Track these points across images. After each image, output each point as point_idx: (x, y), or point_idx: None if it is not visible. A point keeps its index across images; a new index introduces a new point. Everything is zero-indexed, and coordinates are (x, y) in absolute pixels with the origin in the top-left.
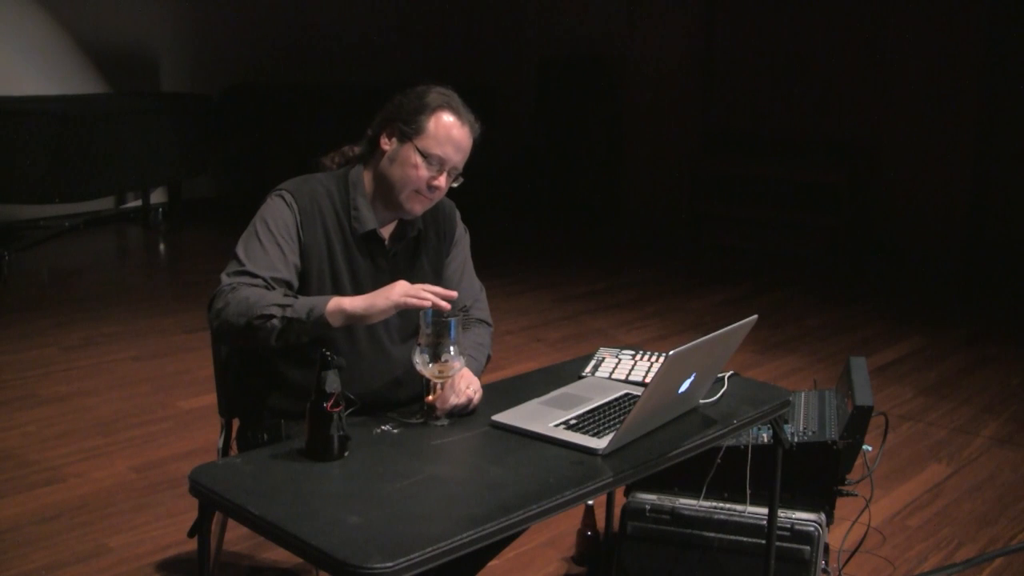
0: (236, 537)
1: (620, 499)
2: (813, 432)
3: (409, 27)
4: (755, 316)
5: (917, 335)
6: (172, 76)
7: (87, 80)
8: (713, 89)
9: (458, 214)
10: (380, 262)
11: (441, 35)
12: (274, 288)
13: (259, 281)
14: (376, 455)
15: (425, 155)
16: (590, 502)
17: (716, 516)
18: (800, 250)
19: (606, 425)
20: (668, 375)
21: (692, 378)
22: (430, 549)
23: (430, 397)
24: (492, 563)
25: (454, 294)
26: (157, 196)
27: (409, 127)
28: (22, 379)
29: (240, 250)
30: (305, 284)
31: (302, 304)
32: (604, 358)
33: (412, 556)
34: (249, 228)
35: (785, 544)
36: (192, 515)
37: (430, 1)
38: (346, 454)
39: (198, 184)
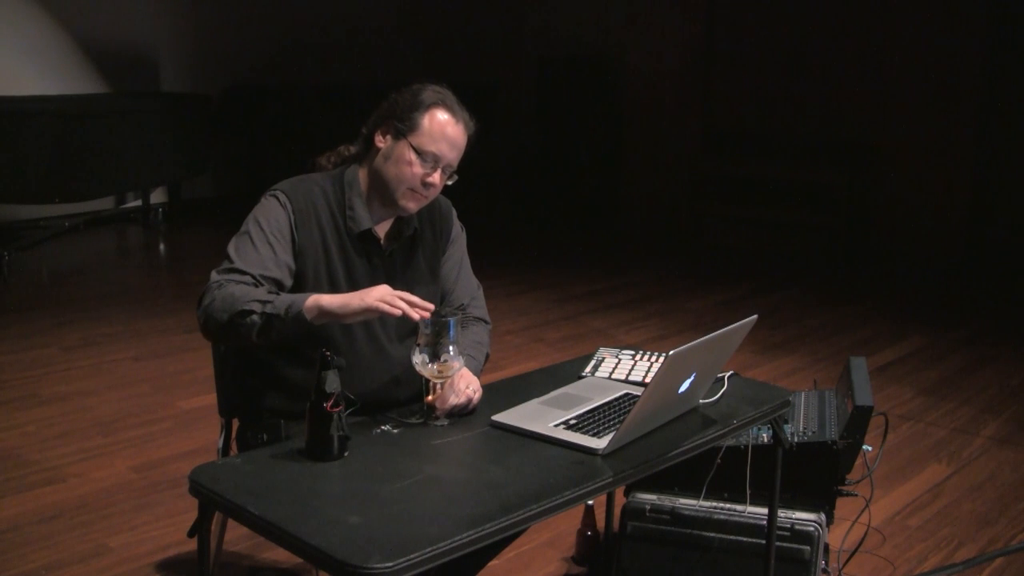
0: (236, 537)
1: (620, 499)
2: (813, 432)
3: (409, 27)
4: (755, 316)
5: (917, 335)
6: (172, 76)
7: (87, 80)
8: (713, 89)
9: (454, 212)
10: (376, 261)
11: (441, 35)
12: (262, 285)
13: (247, 279)
14: (376, 455)
15: (419, 152)
16: (590, 502)
17: (716, 516)
18: (800, 250)
19: (606, 425)
20: (668, 375)
21: (692, 378)
22: (430, 549)
23: (430, 397)
24: (492, 563)
25: (431, 306)
26: (157, 196)
27: (404, 124)
28: (22, 379)
29: (231, 249)
30: (301, 284)
31: (282, 301)
32: (604, 358)
33: (412, 556)
34: (242, 228)
35: (785, 544)
36: (192, 515)
37: (430, 1)
38: (346, 454)
39: (198, 184)
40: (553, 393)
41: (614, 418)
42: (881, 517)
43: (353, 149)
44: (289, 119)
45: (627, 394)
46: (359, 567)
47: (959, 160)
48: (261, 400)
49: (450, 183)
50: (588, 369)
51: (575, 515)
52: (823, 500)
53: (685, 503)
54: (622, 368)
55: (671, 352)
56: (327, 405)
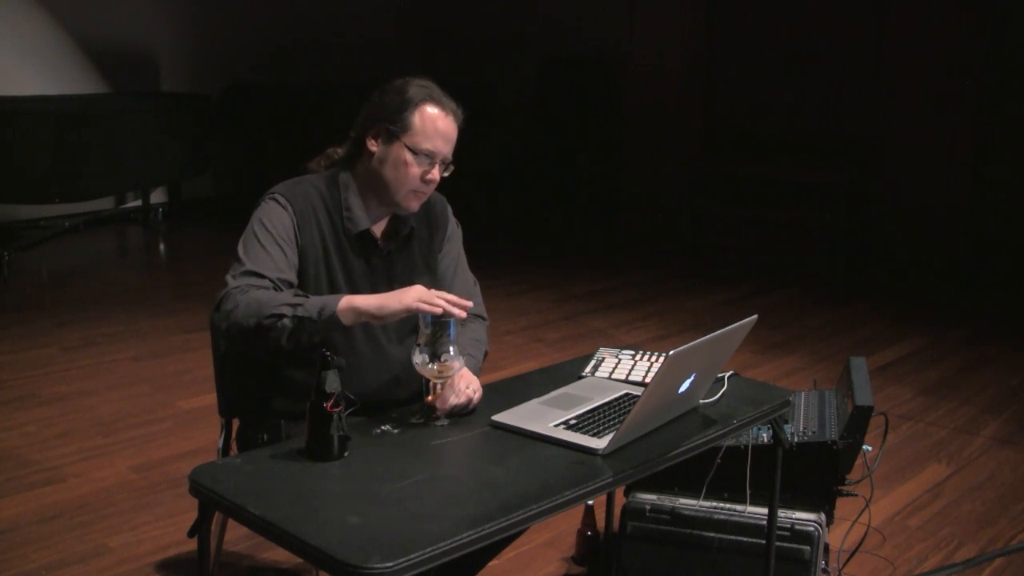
0: (236, 537)
1: (620, 499)
2: (813, 432)
3: (409, 27)
4: (755, 316)
5: (917, 335)
6: (172, 76)
7: (87, 80)
8: (713, 89)
9: (450, 209)
10: (374, 261)
11: (441, 35)
12: (282, 289)
13: (266, 282)
14: (376, 455)
15: (415, 151)
16: (590, 502)
17: (716, 516)
18: (800, 250)
19: (606, 425)
20: (668, 375)
21: (692, 378)
22: (430, 549)
23: (430, 397)
24: (492, 563)
25: (469, 304)
26: (157, 196)
27: (395, 126)
28: (22, 379)
29: (242, 252)
30: (302, 286)
31: (313, 303)
32: (604, 358)
33: (412, 556)
34: (247, 231)
35: (785, 544)
36: (192, 515)
37: (430, 1)
38: (346, 454)
39: (198, 184)
40: (553, 393)
41: (614, 418)
42: (881, 517)
43: (341, 151)
44: (289, 119)
45: (627, 394)
46: (359, 567)
47: (959, 160)
48: (261, 400)
49: (447, 175)
50: (588, 369)
51: (575, 515)
52: (823, 500)
53: (685, 503)
54: (622, 368)
55: (671, 352)
56: (327, 405)
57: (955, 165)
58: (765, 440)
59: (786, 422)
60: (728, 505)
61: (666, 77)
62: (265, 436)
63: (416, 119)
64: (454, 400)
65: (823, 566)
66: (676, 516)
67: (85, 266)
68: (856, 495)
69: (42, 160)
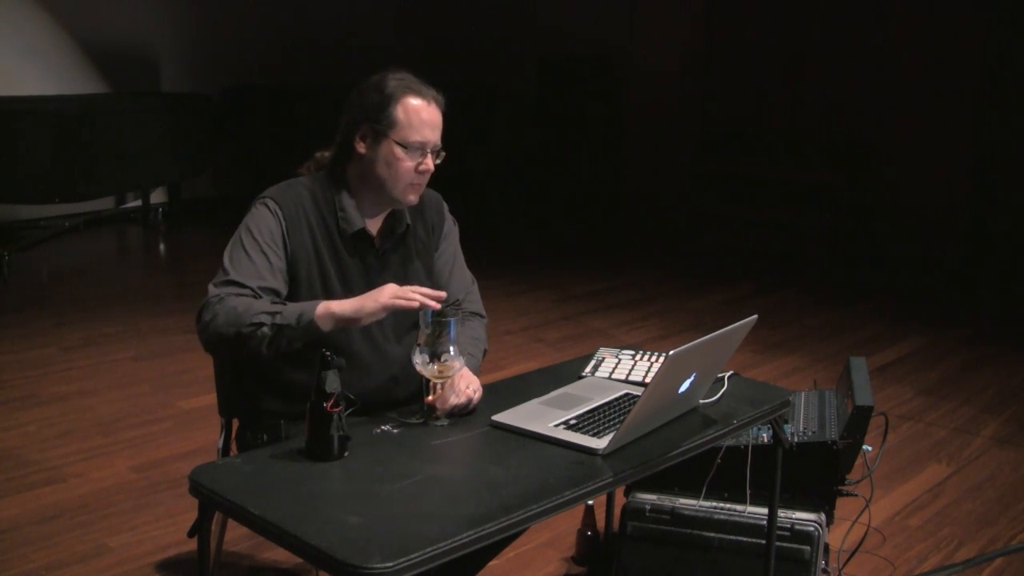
0: (236, 537)
1: (620, 499)
2: (813, 432)
3: (409, 27)
4: (755, 316)
5: (917, 335)
6: (172, 76)
7: (87, 80)
8: (713, 89)
9: (446, 206)
10: (370, 261)
11: (441, 35)
12: (261, 297)
13: (246, 291)
14: (376, 455)
15: (406, 146)
16: (590, 502)
17: (716, 516)
18: (800, 250)
19: (606, 425)
20: (668, 375)
21: (692, 378)
22: (430, 549)
23: (430, 397)
24: (492, 563)
25: (443, 294)
26: (157, 196)
27: (380, 124)
28: (22, 379)
29: (226, 260)
30: (295, 289)
31: (291, 310)
32: (604, 358)
33: (412, 556)
34: (234, 237)
35: (785, 544)
36: (192, 515)
37: (430, 1)
38: (346, 454)
39: (198, 184)
40: (553, 393)
41: (614, 418)
42: (881, 517)
43: (328, 154)
44: (289, 119)
45: (627, 394)
46: (359, 567)
47: (959, 160)
48: (261, 401)
49: (439, 161)
50: (588, 369)
51: (575, 515)
52: (823, 500)
53: (685, 503)
54: (622, 368)
55: (671, 352)
56: (327, 405)
57: (955, 165)
58: (765, 440)
59: (786, 422)
60: (728, 505)
61: (666, 77)
62: (265, 436)
63: (400, 113)
64: (454, 400)
65: (823, 566)
66: (676, 516)
67: (85, 266)
68: (856, 495)
69: (42, 160)
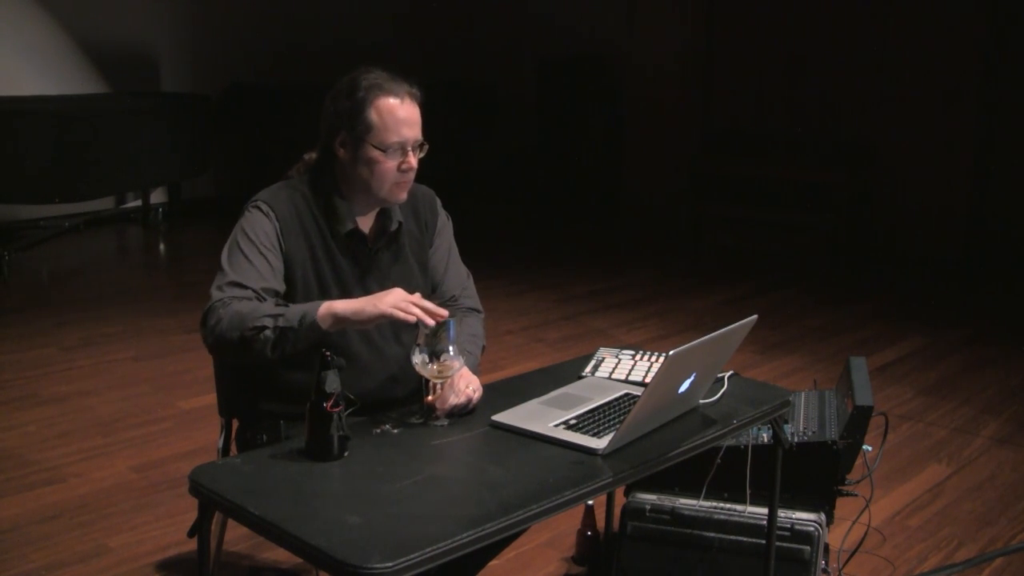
0: (236, 537)
1: (620, 499)
2: (813, 432)
3: (409, 27)
4: (755, 316)
5: (917, 335)
6: (172, 76)
7: (87, 80)
8: (713, 89)
9: (438, 201)
10: (363, 260)
11: (441, 35)
12: (265, 299)
13: (249, 293)
14: (376, 455)
15: (384, 148)
16: (590, 502)
17: (716, 516)
18: (800, 250)
19: (606, 425)
20: (668, 375)
21: (692, 378)
22: (430, 549)
23: (430, 397)
24: (492, 563)
25: (445, 313)
26: (157, 196)
27: (355, 130)
28: (22, 379)
29: (226, 264)
30: (290, 291)
31: (293, 312)
32: (604, 358)
33: (412, 556)
34: (231, 242)
35: (785, 544)
36: (192, 515)
37: (430, 1)
38: (346, 454)
39: (198, 184)
40: (553, 393)
41: (614, 418)
42: (881, 517)
43: (315, 155)
44: (289, 119)
45: (627, 394)
46: (359, 567)
47: (959, 160)
48: (261, 401)
49: (422, 155)
50: (588, 369)
51: (575, 515)
52: (823, 500)
53: (685, 503)
54: (622, 368)
55: (671, 352)
56: (327, 405)
57: (955, 165)
58: (765, 440)
59: (786, 422)
60: (728, 505)
61: (666, 77)
62: (265, 436)
63: (374, 117)
64: (454, 400)
65: (823, 566)
66: (676, 516)
67: (85, 266)
68: (856, 495)
69: (42, 160)
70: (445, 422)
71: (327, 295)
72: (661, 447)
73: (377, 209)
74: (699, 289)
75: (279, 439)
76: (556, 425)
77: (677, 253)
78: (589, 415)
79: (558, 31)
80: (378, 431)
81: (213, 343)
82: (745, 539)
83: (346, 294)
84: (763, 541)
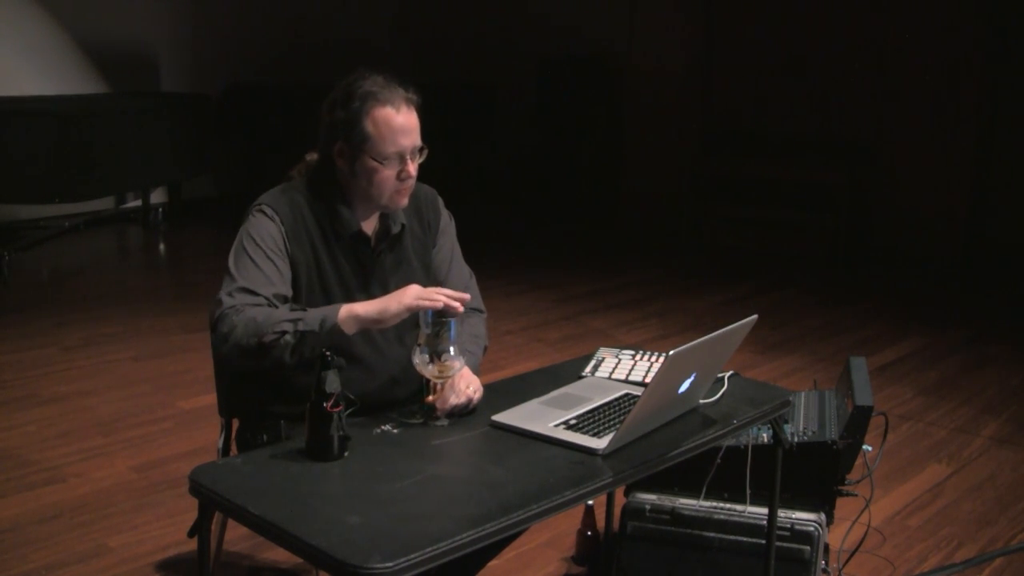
0: (236, 537)
1: (620, 499)
2: (813, 432)
3: (408, 27)
4: (755, 316)
5: (917, 335)
6: (172, 76)
7: (87, 80)
8: (713, 89)
9: (440, 201)
10: (367, 262)
11: (441, 35)
12: (276, 305)
13: (260, 299)
14: (376, 455)
15: (382, 160)
16: (590, 502)
17: (716, 516)
18: (800, 250)
19: (606, 425)
20: (668, 375)
21: (692, 378)
22: (430, 549)
23: (430, 397)
24: (492, 563)
25: (467, 296)
26: (157, 196)
27: (352, 141)
28: (22, 379)
29: (233, 269)
30: (295, 294)
31: (313, 316)
32: (604, 358)
33: (412, 556)
34: (237, 246)
35: (785, 544)
36: (192, 515)
37: (430, 1)
38: (346, 454)
39: (198, 184)
40: (553, 393)
41: (614, 418)
42: (881, 517)
43: (316, 156)
44: (289, 119)
45: (627, 394)
46: (359, 567)
47: (959, 160)
48: (261, 401)
49: (422, 160)
50: (588, 369)
51: (575, 515)
52: (823, 500)
53: (685, 503)
54: (622, 368)
55: (671, 352)
56: (327, 405)
57: (955, 165)
58: (765, 440)
59: (786, 422)
60: (728, 505)
61: (666, 77)
62: (265, 436)
63: (370, 128)
64: (454, 400)
65: (823, 566)
66: (676, 516)
67: (85, 266)
68: (856, 495)
69: (42, 160)
70: (445, 422)
71: (331, 298)
72: (661, 447)
73: (378, 212)
74: (699, 289)
75: (279, 439)
76: (556, 425)
77: (677, 253)
78: (589, 415)
79: (558, 31)
80: (378, 431)
81: (228, 351)
82: (745, 539)
83: (349, 297)
84: (763, 541)
